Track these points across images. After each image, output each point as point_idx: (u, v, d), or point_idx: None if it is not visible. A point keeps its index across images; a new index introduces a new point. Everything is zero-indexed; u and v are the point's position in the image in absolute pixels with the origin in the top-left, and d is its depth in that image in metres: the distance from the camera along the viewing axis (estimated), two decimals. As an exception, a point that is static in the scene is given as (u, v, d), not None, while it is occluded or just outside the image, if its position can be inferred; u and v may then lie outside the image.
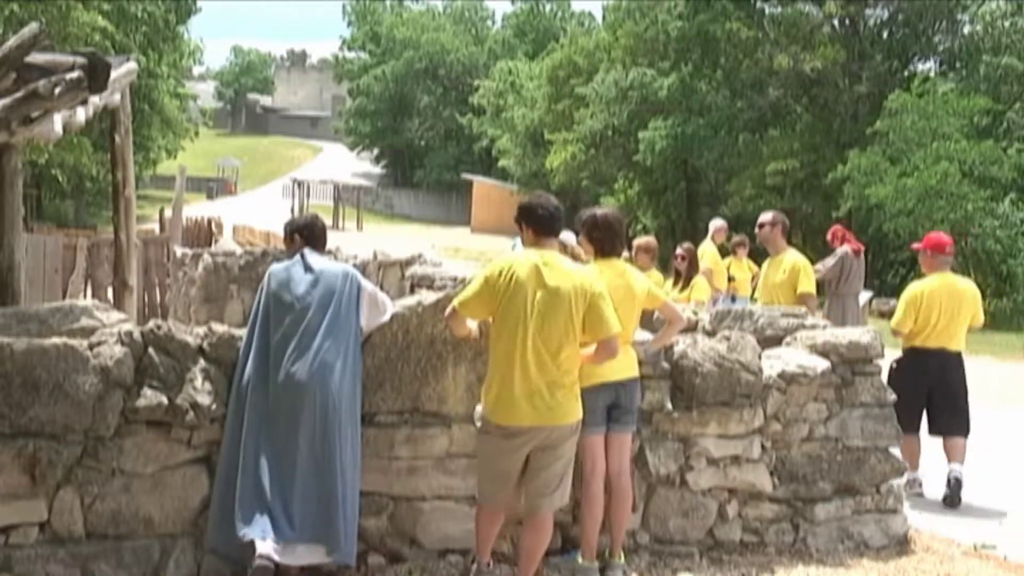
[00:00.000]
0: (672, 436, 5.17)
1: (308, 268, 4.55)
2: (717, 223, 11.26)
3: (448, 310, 4.44)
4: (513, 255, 4.51)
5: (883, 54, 29.73)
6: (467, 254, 31.34)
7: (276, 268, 4.62)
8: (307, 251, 4.66)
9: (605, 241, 4.95)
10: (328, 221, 5.15)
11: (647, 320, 5.33)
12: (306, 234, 4.80)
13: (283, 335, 4.40)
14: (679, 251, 9.60)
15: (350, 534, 4.35)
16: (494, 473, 4.40)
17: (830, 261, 9.26)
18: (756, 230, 7.76)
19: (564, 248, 8.85)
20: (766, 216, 7.74)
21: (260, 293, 4.57)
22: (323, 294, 4.46)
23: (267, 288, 4.54)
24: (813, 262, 8.12)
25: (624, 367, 4.81)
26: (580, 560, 4.76)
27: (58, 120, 5.74)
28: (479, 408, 4.49)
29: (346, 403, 4.40)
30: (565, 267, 4.38)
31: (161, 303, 13.70)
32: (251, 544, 4.18)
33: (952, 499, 6.51)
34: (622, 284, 4.85)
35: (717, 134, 30.40)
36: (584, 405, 4.74)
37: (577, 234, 5.31)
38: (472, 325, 4.56)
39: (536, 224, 4.46)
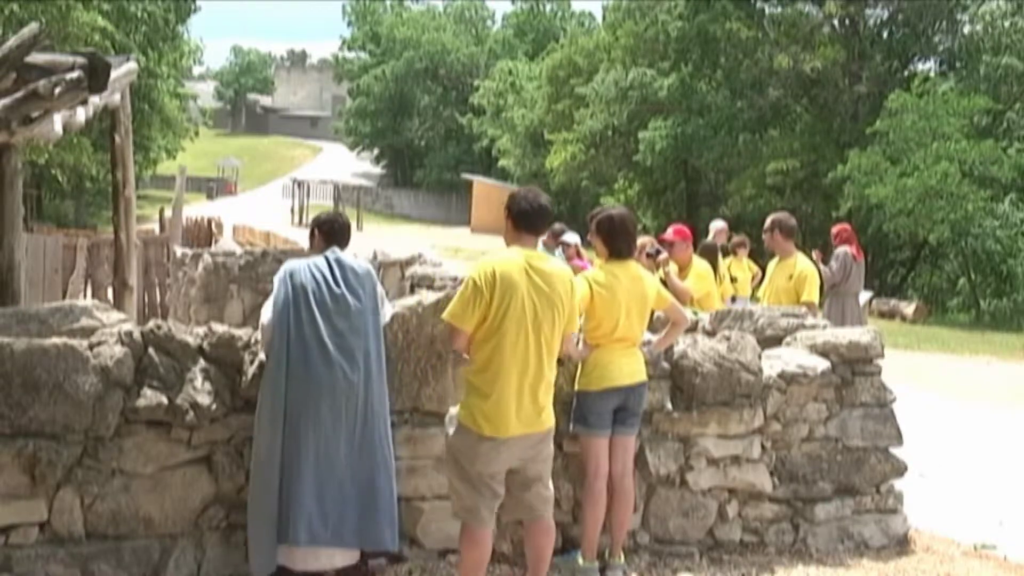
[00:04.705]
0: (672, 436, 5.17)
1: (340, 266, 4.46)
2: (717, 224, 11.23)
3: (450, 332, 4.16)
4: (498, 257, 4.16)
5: (883, 54, 29.76)
6: (467, 254, 31.31)
7: (296, 265, 4.46)
8: (335, 249, 4.57)
9: (620, 242, 4.85)
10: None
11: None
12: (326, 230, 4.68)
13: (325, 334, 4.31)
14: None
15: (393, 523, 4.44)
16: (480, 484, 4.07)
17: (835, 264, 9.30)
18: (763, 237, 7.69)
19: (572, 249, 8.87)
20: (767, 223, 7.66)
21: (281, 292, 4.37)
22: (358, 293, 4.44)
23: (291, 286, 4.36)
24: (814, 262, 8.11)
25: (634, 371, 4.79)
26: (581, 561, 4.75)
27: (58, 120, 5.74)
28: (453, 411, 4.18)
29: (384, 400, 4.49)
30: (550, 266, 4.20)
31: (161, 303, 13.69)
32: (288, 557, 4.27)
33: None
34: (636, 286, 4.79)
35: (717, 134, 30.42)
36: (592, 408, 4.72)
37: (583, 235, 5.19)
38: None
39: (515, 218, 4.19)
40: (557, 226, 10.20)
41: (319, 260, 4.50)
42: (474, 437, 4.03)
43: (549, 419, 4.20)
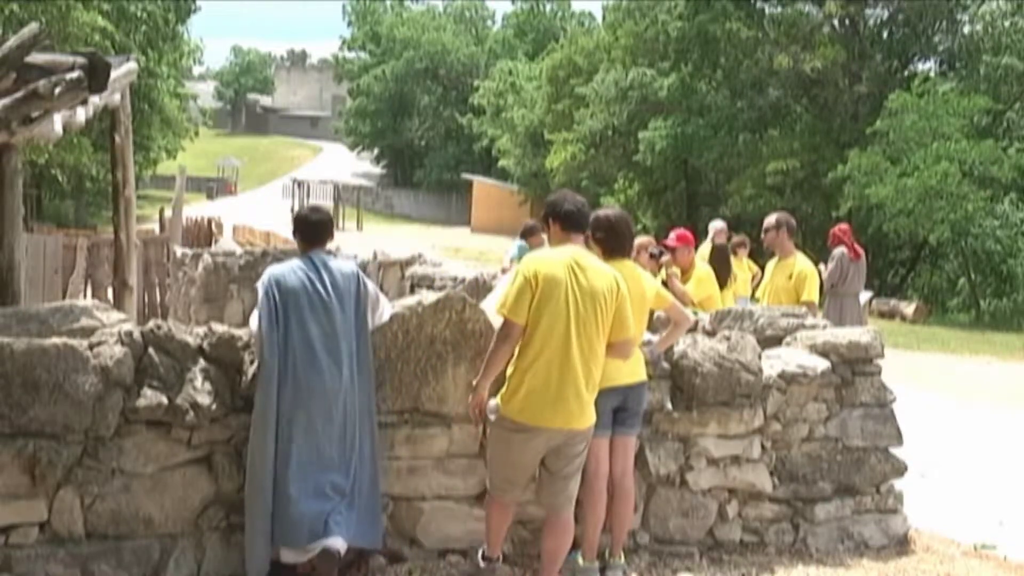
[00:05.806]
0: (672, 436, 5.17)
1: (325, 268, 4.46)
2: (717, 224, 11.22)
3: (505, 328, 4.25)
4: (544, 254, 4.46)
5: (883, 54, 29.75)
6: (467, 254, 31.34)
7: (281, 270, 4.46)
8: (316, 252, 4.55)
9: (614, 242, 4.87)
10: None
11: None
12: (299, 229, 4.63)
13: (312, 338, 4.33)
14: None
15: (378, 521, 4.50)
16: (510, 467, 4.36)
17: (831, 265, 9.34)
18: (762, 235, 7.78)
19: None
20: (769, 220, 7.75)
21: (266, 299, 4.37)
22: (343, 294, 4.44)
23: (276, 292, 4.37)
24: (814, 262, 8.15)
25: (633, 371, 4.79)
26: (580, 561, 4.75)
27: (58, 120, 5.74)
28: (494, 402, 4.35)
29: (371, 401, 4.50)
30: (596, 265, 4.37)
31: (161, 303, 13.70)
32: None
33: None
34: (633, 286, 4.78)
35: (717, 134, 30.42)
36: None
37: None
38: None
39: (563, 220, 4.44)
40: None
41: (303, 263, 4.50)
42: (510, 425, 4.26)
43: (590, 417, 4.33)
